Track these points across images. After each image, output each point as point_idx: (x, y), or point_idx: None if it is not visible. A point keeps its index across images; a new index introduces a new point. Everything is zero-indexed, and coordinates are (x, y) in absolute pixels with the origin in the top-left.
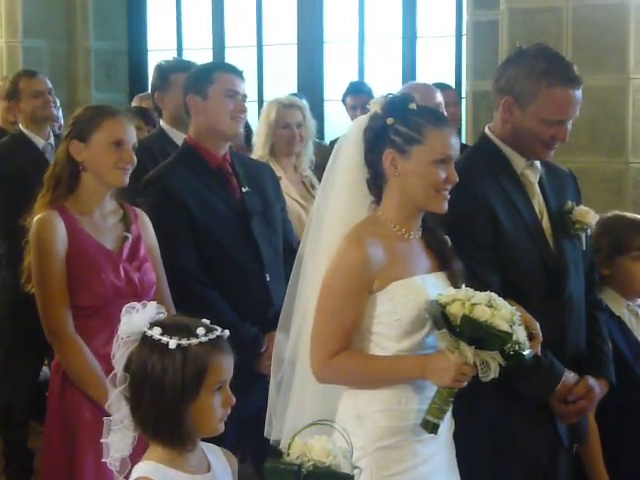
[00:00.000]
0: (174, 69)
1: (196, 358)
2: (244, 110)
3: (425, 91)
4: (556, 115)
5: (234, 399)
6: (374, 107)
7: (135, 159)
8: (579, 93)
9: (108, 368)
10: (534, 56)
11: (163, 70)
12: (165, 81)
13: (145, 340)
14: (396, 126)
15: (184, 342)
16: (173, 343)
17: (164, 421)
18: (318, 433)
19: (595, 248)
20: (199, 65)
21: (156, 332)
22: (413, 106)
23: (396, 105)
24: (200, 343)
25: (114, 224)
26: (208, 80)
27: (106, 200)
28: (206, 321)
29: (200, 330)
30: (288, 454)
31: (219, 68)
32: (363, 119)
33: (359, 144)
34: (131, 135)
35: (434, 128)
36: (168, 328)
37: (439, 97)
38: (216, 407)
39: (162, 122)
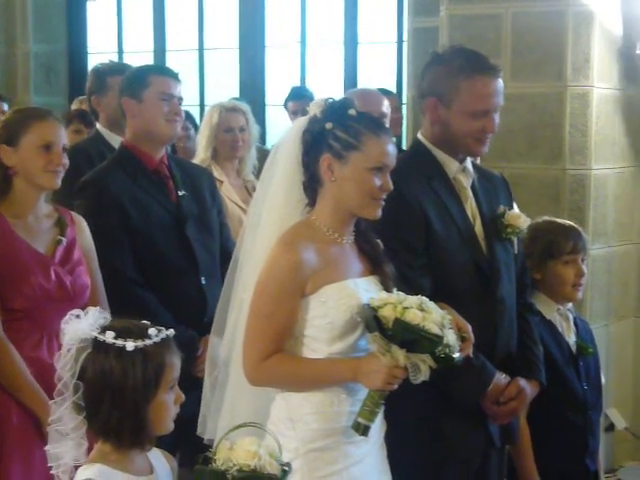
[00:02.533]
0: (110, 72)
1: (154, 358)
2: (179, 113)
3: (371, 98)
4: (480, 106)
5: (183, 396)
6: (313, 110)
7: (67, 161)
8: (499, 82)
9: (36, 372)
10: (449, 55)
11: (99, 73)
12: (102, 84)
13: (99, 346)
14: (335, 131)
15: (140, 343)
16: (131, 345)
17: (127, 424)
18: (249, 435)
19: (527, 252)
20: (134, 68)
21: (109, 336)
22: (352, 112)
23: (335, 110)
24: (155, 343)
25: (48, 228)
26: (143, 83)
27: (40, 204)
28: (147, 322)
29: (152, 331)
30: (215, 460)
31: (154, 71)
32: (302, 121)
33: (297, 146)
34: (61, 137)
35: (372, 136)
36: (120, 331)
37: (385, 106)
38: (171, 405)
39: (99, 125)
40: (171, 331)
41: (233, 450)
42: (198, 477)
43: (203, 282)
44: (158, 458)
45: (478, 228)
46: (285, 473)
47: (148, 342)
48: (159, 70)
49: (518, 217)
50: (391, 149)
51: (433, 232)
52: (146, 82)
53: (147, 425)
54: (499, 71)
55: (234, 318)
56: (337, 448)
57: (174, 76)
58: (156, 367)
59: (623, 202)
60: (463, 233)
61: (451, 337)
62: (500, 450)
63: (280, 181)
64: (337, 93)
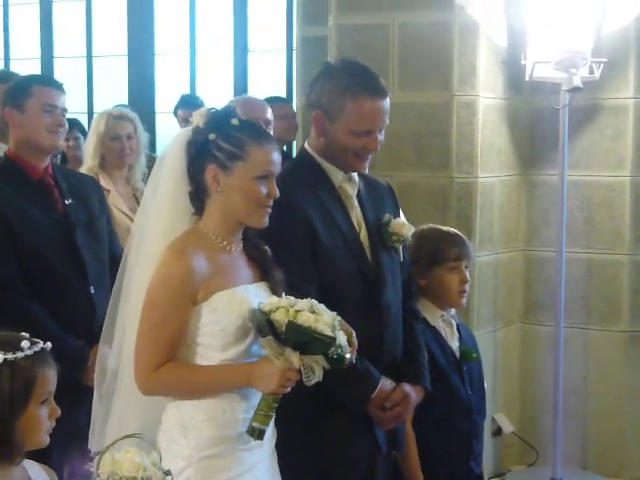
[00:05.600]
0: None
1: (23, 371)
2: (62, 124)
3: (256, 106)
4: (363, 126)
5: (59, 410)
6: (196, 120)
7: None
8: (385, 103)
9: None
10: (339, 70)
11: None
12: None
13: None
14: (218, 142)
15: (10, 356)
16: None
17: None
18: (136, 446)
19: (413, 259)
20: (18, 77)
21: None
22: (235, 121)
23: (218, 120)
24: (26, 356)
25: None
26: (26, 94)
27: None
28: (25, 334)
29: (25, 343)
30: (98, 474)
31: (37, 81)
32: (186, 132)
33: (182, 157)
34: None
35: (256, 145)
36: None
37: (269, 113)
38: (43, 419)
39: None
40: (48, 344)
41: (117, 462)
42: None
43: (92, 291)
44: (37, 471)
45: (363, 236)
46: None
47: (19, 355)
48: (42, 80)
49: (402, 225)
50: (275, 157)
51: (319, 241)
52: (29, 92)
53: (14, 440)
54: (386, 92)
55: (123, 327)
56: (230, 455)
57: (58, 87)
58: (26, 380)
59: (508, 209)
60: (349, 241)
61: (342, 338)
62: (386, 456)
63: (165, 192)
64: (227, 101)
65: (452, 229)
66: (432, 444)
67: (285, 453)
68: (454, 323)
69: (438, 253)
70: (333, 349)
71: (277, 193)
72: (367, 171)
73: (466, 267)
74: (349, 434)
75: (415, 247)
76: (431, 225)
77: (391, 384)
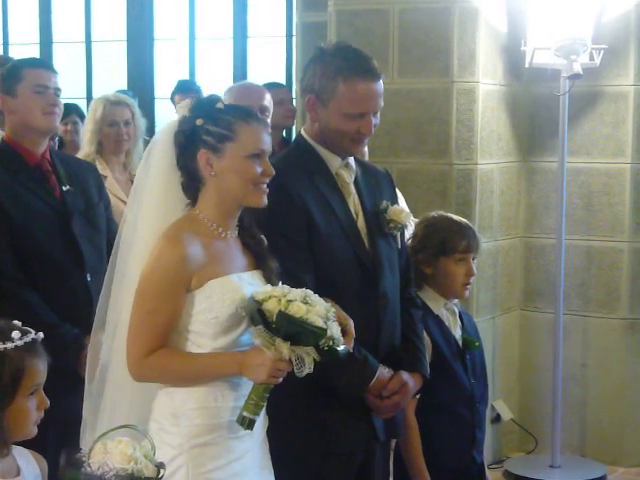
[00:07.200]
0: None
1: (13, 362)
2: (56, 104)
3: (252, 92)
4: (356, 109)
5: (48, 402)
6: (181, 111)
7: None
8: (378, 85)
9: None
10: (331, 54)
11: None
12: None
13: None
14: (206, 126)
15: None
16: None
17: None
18: (130, 436)
19: (420, 246)
20: (9, 63)
21: None
22: (220, 105)
23: (203, 106)
24: (16, 347)
25: None
26: (16, 78)
27: None
28: (18, 323)
29: (15, 334)
30: (89, 464)
31: (27, 65)
32: (172, 124)
33: (170, 148)
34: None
35: (243, 124)
36: None
37: (267, 100)
38: (31, 411)
39: None
40: (40, 335)
41: (108, 453)
42: None
43: (89, 279)
44: (26, 458)
45: (361, 223)
46: (159, 472)
47: (9, 345)
48: (32, 63)
49: (400, 212)
50: (265, 135)
51: (315, 228)
52: (19, 77)
53: (2, 429)
54: (379, 74)
55: (115, 314)
56: (221, 443)
57: (48, 67)
58: (15, 371)
59: (508, 196)
60: (345, 228)
61: (335, 330)
62: (384, 444)
63: (154, 184)
64: (226, 88)
65: (463, 220)
66: (435, 433)
67: (281, 441)
68: (457, 311)
69: (446, 243)
70: (324, 341)
71: (272, 171)
72: (367, 157)
73: (473, 259)
74: (346, 422)
75: (423, 235)
76: (442, 213)
77: (389, 372)
